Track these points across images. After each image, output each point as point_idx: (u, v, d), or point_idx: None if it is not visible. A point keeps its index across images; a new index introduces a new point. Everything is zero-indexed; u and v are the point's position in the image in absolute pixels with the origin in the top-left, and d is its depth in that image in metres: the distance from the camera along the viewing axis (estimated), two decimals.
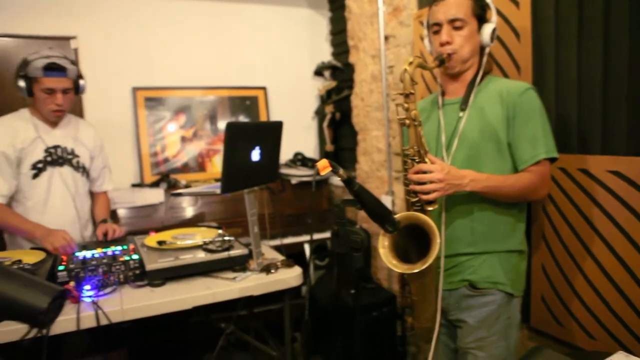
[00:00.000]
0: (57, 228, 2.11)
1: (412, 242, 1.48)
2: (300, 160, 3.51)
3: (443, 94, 1.66)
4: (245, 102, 3.49)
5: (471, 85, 1.56)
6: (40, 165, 2.17)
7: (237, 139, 1.74)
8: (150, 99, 3.24)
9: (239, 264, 1.96)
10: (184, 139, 3.31)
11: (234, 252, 1.94)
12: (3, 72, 2.99)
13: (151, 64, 3.28)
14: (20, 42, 3.04)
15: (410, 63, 1.44)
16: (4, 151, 2.07)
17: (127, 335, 2.22)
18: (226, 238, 1.98)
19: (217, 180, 3.25)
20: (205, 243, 1.96)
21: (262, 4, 3.56)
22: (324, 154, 3.66)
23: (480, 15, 1.54)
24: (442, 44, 1.53)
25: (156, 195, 2.96)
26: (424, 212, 1.46)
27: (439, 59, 1.52)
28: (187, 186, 3.09)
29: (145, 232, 2.48)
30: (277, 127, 1.99)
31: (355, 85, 3.15)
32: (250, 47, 3.54)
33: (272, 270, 1.95)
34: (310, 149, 3.74)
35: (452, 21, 1.51)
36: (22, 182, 2.16)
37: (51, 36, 3.08)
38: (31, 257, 1.85)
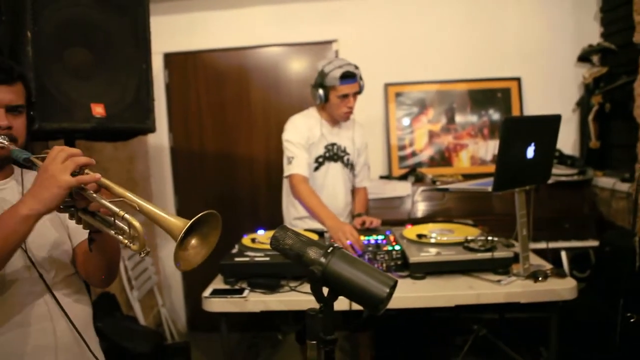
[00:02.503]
0: None
1: None
2: (557, 157, 3.15)
3: None
4: (497, 94, 3.29)
5: None
6: (320, 160, 2.43)
7: (513, 135, 1.63)
8: (400, 94, 3.33)
9: (501, 267, 1.85)
10: (431, 133, 3.31)
11: (497, 254, 1.84)
12: (278, 75, 3.48)
13: (401, 60, 3.36)
14: (290, 49, 3.48)
15: None
16: (302, 143, 2.35)
17: (374, 318, 2.34)
18: (489, 238, 1.89)
19: (464, 176, 3.16)
20: (467, 241, 1.91)
21: None
22: (586, 151, 3.21)
23: None
24: None
25: (404, 188, 3.04)
26: None
27: None
28: (433, 181, 3.08)
29: (392, 223, 2.57)
30: (554, 121, 1.80)
31: None
32: (504, 35, 3.32)
33: (540, 278, 1.78)
34: (569, 145, 3.32)
35: None
36: None
37: (316, 42, 3.44)
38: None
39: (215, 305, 1.80)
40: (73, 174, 0.98)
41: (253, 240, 2.11)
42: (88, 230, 1.25)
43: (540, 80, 3.31)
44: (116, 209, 0.96)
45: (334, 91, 2.28)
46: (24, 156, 1.08)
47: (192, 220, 0.89)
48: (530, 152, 1.71)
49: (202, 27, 3.44)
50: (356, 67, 2.32)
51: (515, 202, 1.79)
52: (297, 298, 1.78)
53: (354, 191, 2.61)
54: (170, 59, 3.50)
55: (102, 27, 1.81)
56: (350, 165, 2.50)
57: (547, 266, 1.91)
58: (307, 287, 1.81)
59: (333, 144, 2.44)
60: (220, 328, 1.88)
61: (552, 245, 2.84)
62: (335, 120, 2.43)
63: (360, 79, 2.35)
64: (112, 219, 1.00)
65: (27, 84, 1.23)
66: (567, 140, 3.34)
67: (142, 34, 1.97)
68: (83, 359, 1.27)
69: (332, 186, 2.45)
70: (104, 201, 0.97)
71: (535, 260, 2.00)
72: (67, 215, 1.09)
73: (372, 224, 2.31)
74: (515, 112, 3.26)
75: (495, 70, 3.33)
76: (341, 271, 0.76)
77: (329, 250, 0.78)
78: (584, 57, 3.21)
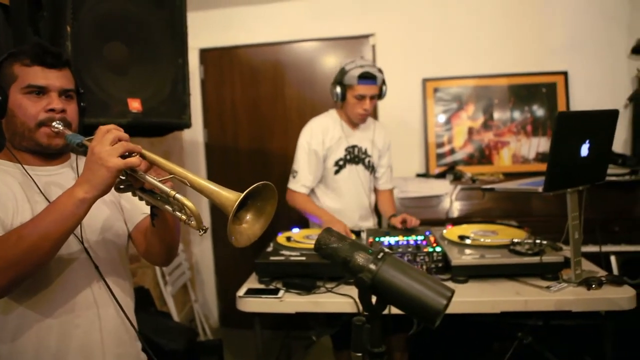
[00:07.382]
0: (345, 217, 2.33)
1: None
2: None
3: None
4: (541, 89, 3.14)
5: None
6: (341, 163, 2.41)
7: (567, 131, 1.52)
8: (438, 90, 3.22)
9: (550, 272, 1.74)
10: (471, 130, 3.19)
11: (546, 258, 1.73)
12: (314, 71, 3.42)
13: (440, 54, 3.25)
14: (325, 44, 3.41)
15: None
16: (315, 149, 2.35)
17: (406, 321, 2.26)
18: (537, 241, 1.78)
19: (505, 175, 3.03)
20: (512, 243, 1.81)
21: None
22: (638, 150, 3.02)
23: None
24: None
25: (442, 187, 2.93)
26: None
27: None
28: (473, 179, 2.96)
29: (429, 223, 2.47)
30: (611, 117, 1.67)
31: None
32: (550, 26, 3.15)
33: (594, 285, 1.66)
34: (620, 143, 3.14)
35: None
36: (326, 175, 2.44)
37: (352, 36, 3.36)
38: None
39: (250, 305, 1.76)
40: (123, 156, 0.96)
41: (288, 238, 2.06)
42: (143, 212, 1.27)
43: (590, 74, 3.13)
44: (167, 189, 0.95)
45: (351, 90, 2.26)
46: (77, 140, 1.07)
47: (245, 192, 0.86)
48: (584, 149, 1.60)
49: (237, 23, 3.42)
50: (380, 71, 2.28)
51: (567, 203, 1.67)
52: (334, 300, 1.72)
53: (376, 193, 2.56)
54: (206, 54, 3.50)
55: (139, 21, 1.80)
56: (371, 168, 2.47)
57: (600, 272, 1.79)
58: (344, 289, 1.76)
59: (354, 146, 2.41)
60: (252, 325, 1.85)
61: (599, 248, 2.69)
62: (355, 122, 2.40)
63: (384, 83, 2.32)
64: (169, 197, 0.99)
65: (72, 71, 1.23)
66: (618, 138, 3.15)
67: (178, 28, 1.94)
68: (129, 345, 1.28)
69: (355, 189, 2.43)
70: (155, 182, 0.96)
71: (586, 266, 1.88)
72: (122, 196, 1.08)
73: (412, 223, 2.23)
74: (562, 109, 3.11)
75: (540, 64, 3.17)
76: (393, 279, 0.70)
77: (379, 256, 0.72)
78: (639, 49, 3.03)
